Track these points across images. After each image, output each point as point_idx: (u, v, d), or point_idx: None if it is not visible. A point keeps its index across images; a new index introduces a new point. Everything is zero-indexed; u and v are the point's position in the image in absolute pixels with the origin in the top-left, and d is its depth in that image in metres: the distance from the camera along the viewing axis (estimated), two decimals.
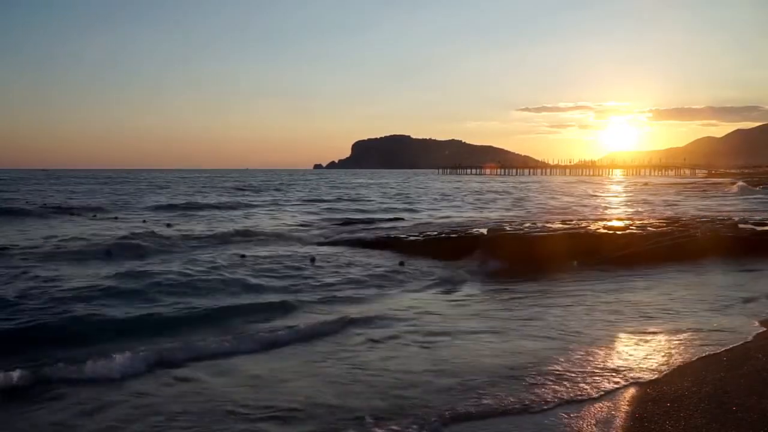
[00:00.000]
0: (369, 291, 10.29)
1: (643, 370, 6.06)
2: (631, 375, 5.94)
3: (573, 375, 5.95)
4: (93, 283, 10.00)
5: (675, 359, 6.41)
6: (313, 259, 12.94)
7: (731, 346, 6.81)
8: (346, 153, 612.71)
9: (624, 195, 45.95)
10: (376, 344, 7.13)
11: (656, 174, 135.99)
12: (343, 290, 10.25)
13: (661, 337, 7.34)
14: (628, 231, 15.10)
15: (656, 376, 5.89)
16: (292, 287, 10.39)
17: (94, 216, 24.76)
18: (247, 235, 17.36)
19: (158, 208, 29.64)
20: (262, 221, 23.12)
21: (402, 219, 22.71)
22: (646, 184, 70.00)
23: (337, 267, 12.35)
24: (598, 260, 12.97)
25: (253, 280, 10.73)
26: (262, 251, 14.15)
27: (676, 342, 7.12)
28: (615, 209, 29.76)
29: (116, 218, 23.96)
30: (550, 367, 6.17)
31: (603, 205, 33.67)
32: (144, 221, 22.27)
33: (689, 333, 7.47)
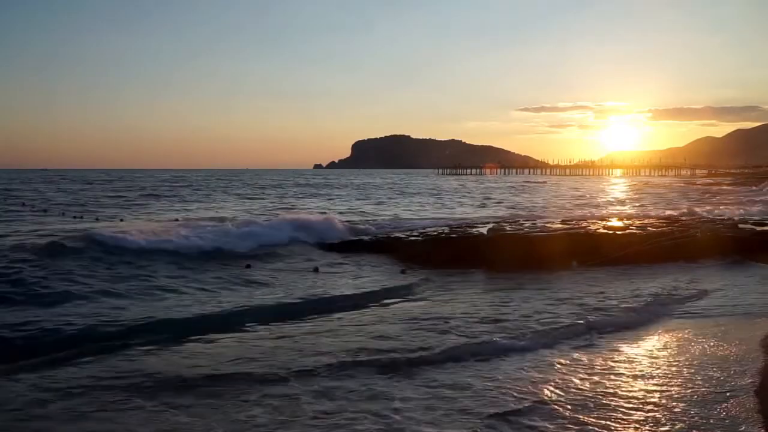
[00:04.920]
0: None
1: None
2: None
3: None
4: None
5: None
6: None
7: (729, 346, 6.80)
8: (346, 153, 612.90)
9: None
10: None
11: (656, 174, 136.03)
12: None
13: (655, 339, 7.33)
14: (628, 231, 15.11)
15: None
16: None
17: None
18: None
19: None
20: None
21: None
22: (646, 184, 69.93)
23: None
24: (598, 260, 12.99)
25: None
26: None
27: (673, 342, 7.12)
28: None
29: None
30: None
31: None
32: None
33: (680, 334, 7.47)
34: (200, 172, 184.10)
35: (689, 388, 5.38)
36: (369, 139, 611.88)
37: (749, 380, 5.51)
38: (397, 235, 16.08)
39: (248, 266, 12.15)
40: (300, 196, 43.48)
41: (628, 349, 6.66)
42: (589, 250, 13.39)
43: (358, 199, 39.18)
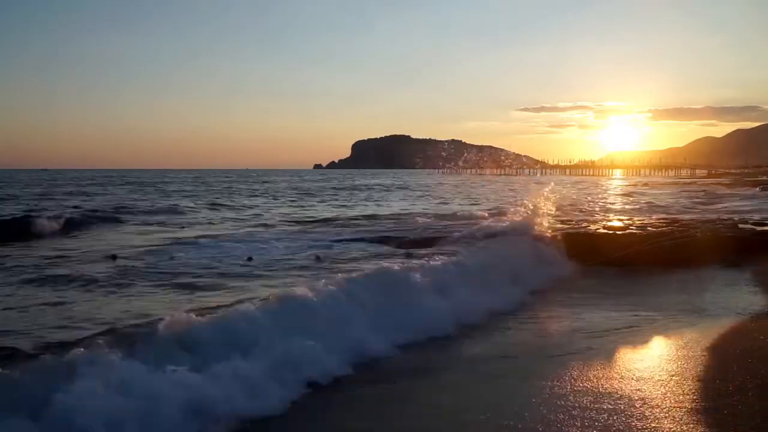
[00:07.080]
0: None
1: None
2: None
3: None
4: None
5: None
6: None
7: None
8: (346, 153, 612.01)
9: None
10: None
11: (656, 174, 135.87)
12: None
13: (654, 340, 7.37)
14: (628, 231, 15.12)
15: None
16: None
17: None
18: None
19: None
20: None
21: None
22: (646, 184, 69.87)
23: None
24: (598, 260, 13.00)
25: None
26: None
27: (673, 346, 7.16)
28: None
29: None
30: None
31: None
32: None
33: (680, 334, 7.50)
34: (200, 172, 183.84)
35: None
36: (369, 139, 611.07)
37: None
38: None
39: None
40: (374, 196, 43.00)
41: None
42: (589, 250, 13.39)
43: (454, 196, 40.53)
